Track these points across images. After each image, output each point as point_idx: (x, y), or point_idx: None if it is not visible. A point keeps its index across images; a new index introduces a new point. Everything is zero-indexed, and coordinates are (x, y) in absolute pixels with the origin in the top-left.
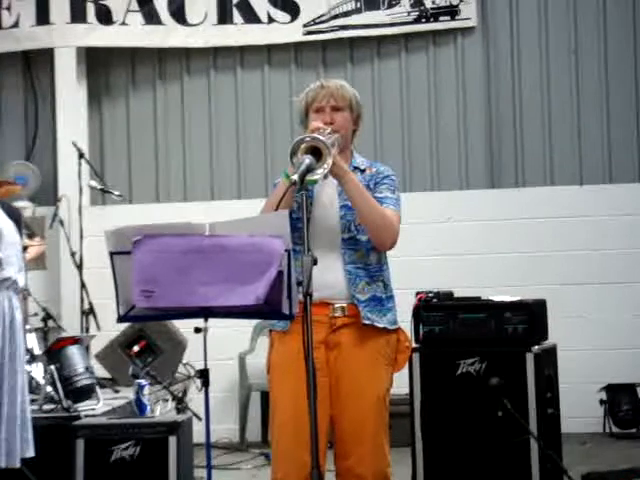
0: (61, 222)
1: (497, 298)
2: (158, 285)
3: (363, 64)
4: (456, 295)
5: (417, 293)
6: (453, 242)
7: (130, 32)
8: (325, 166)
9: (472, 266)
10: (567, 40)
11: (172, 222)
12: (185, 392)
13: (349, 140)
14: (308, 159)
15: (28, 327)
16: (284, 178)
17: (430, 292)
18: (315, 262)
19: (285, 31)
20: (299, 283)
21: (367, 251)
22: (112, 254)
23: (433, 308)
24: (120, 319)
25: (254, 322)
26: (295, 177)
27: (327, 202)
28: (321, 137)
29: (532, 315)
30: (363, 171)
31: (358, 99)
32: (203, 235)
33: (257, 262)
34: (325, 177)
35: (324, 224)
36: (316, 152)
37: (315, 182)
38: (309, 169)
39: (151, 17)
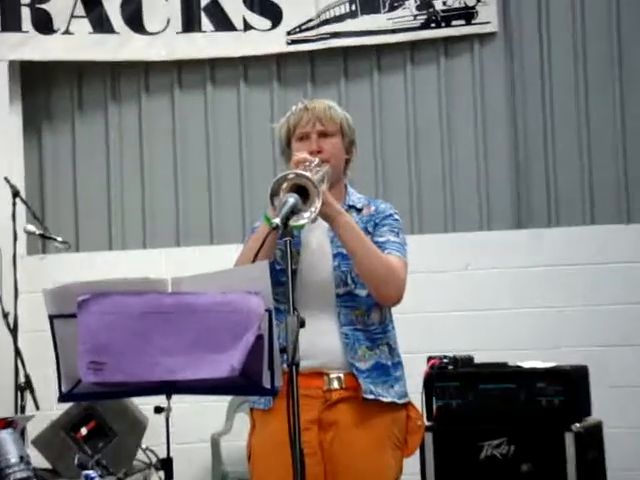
0: None
1: (527, 364)
2: (110, 355)
3: (360, 79)
4: (477, 360)
5: (429, 358)
6: (472, 295)
7: (75, 42)
8: (313, 208)
9: (496, 324)
10: (609, 48)
11: (127, 277)
12: None
13: (341, 172)
14: (292, 198)
15: None
16: (264, 221)
17: (445, 357)
18: (302, 324)
19: (265, 40)
20: (283, 350)
21: (368, 308)
22: (52, 317)
23: (449, 377)
24: (63, 398)
25: (230, 397)
26: (277, 221)
27: (317, 250)
28: (307, 173)
29: (571, 385)
30: (360, 210)
31: (350, 122)
32: (165, 293)
33: (231, 325)
34: (313, 221)
35: (314, 277)
36: (302, 190)
37: (302, 227)
38: (294, 210)
39: (101, 24)
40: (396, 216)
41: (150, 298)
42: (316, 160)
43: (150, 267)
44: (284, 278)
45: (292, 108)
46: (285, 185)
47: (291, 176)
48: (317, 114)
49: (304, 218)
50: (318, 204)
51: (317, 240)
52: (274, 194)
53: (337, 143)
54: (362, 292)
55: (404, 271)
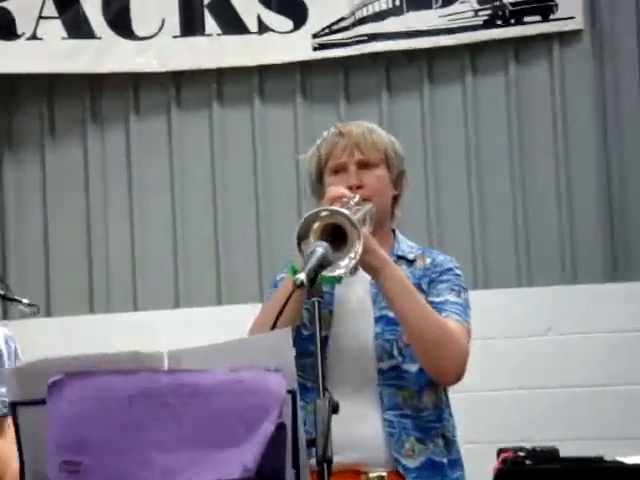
0: None
1: (631, 460)
2: (89, 453)
3: (407, 93)
4: (562, 453)
5: (500, 451)
6: (554, 367)
7: (45, 50)
8: (352, 255)
9: (586, 406)
10: None
11: (111, 351)
12: None
13: (388, 213)
14: (321, 248)
15: None
16: (290, 273)
17: (521, 448)
18: (336, 409)
19: (285, 45)
20: (311, 442)
21: (419, 389)
22: (14, 405)
23: (527, 474)
24: None
25: None
26: (302, 277)
27: (355, 311)
28: (344, 210)
29: None
30: (412, 262)
31: (398, 148)
32: (160, 370)
33: (244, 411)
34: (352, 272)
35: (350, 346)
36: (338, 234)
37: (337, 281)
38: (323, 263)
39: (78, 27)
40: (457, 271)
41: (141, 378)
42: (356, 197)
43: (142, 336)
44: (313, 347)
45: (324, 134)
46: (317, 225)
47: (324, 213)
48: (355, 140)
49: (340, 268)
50: (359, 248)
51: (356, 298)
52: (303, 237)
53: (382, 176)
54: (412, 367)
55: (466, 340)
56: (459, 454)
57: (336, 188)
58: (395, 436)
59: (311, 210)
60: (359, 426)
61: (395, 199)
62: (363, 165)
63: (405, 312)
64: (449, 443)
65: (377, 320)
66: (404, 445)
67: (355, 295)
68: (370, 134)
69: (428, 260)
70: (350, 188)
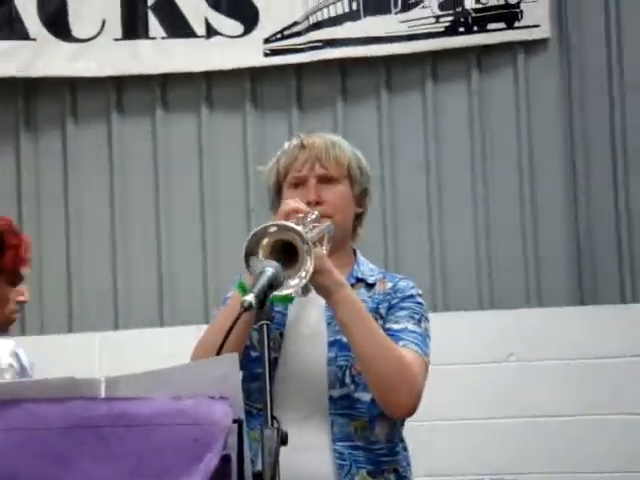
0: None
1: None
2: None
3: (363, 102)
4: None
5: None
6: (517, 396)
7: None
8: (302, 274)
9: (553, 436)
10: None
11: (45, 378)
12: None
13: (349, 232)
14: (271, 268)
15: None
16: (238, 291)
17: None
18: (284, 440)
19: (235, 50)
20: (257, 476)
21: (371, 419)
22: None
23: None
24: None
25: None
26: (249, 298)
27: (308, 334)
28: (295, 225)
29: None
30: (371, 286)
31: (363, 164)
32: (96, 398)
33: (187, 443)
34: (304, 292)
35: (300, 371)
36: (289, 251)
37: (289, 300)
38: (273, 283)
39: (10, 27)
40: (419, 299)
41: (75, 407)
42: (314, 214)
43: (78, 359)
44: (260, 370)
45: (285, 145)
46: (266, 241)
47: (273, 229)
48: (317, 153)
49: (289, 287)
50: (310, 267)
51: (310, 321)
52: (251, 253)
53: (343, 192)
54: (365, 396)
55: (422, 373)
56: None
57: (291, 201)
58: (345, 469)
59: (260, 225)
60: (307, 457)
61: (358, 217)
62: (324, 180)
63: (357, 339)
64: (401, 478)
65: (331, 345)
66: (354, 478)
67: (309, 317)
68: (333, 148)
69: (389, 285)
70: (309, 203)
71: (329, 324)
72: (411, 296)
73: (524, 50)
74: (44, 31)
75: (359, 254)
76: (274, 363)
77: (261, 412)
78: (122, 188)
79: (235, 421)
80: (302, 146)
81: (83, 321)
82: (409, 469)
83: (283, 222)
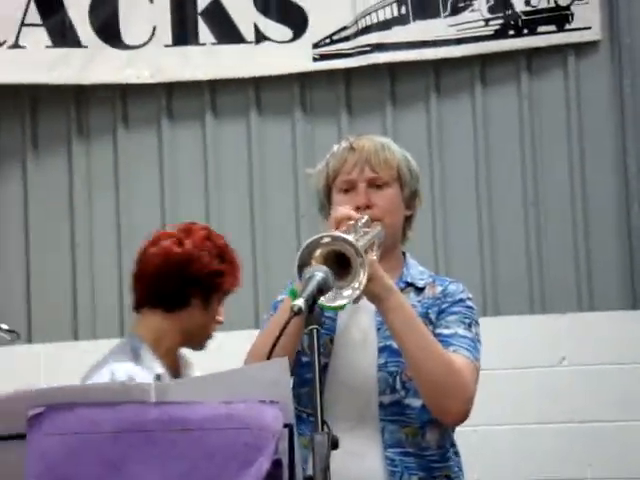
0: None
1: None
2: None
3: (413, 106)
4: None
5: None
6: (569, 401)
7: (28, 59)
8: (356, 284)
9: (607, 440)
10: None
11: (96, 383)
12: None
13: (399, 236)
14: (320, 272)
15: None
16: (290, 297)
17: None
18: (335, 445)
19: (284, 55)
20: None
21: (422, 425)
22: None
23: None
24: None
25: None
26: (299, 303)
27: (358, 340)
28: (348, 236)
29: None
30: (421, 290)
31: (413, 166)
32: (147, 403)
33: (238, 448)
34: (356, 300)
35: (351, 378)
36: (343, 259)
37: (339, 309)
38: (323, 288)
39: (63, 35)
40: (469, 302)
41: (127, 411)
42: (364, 218)
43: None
44: (310, 375)
45: (334, 147)
46: (319, 252)
47: (326, 240)
48: (366, 156)
49: (343, 298)
50: (363, 279)
51: (360, 327)
52: (303, 264)
53: (393, 195)
54: (416, 402)
55: (473, 379)
56: None
57: (342, 208)
58: (397, 475)
59: (313, 236)
60: (358, 463)
61: (407, 220)
62: (374, 184)
63: (409, 346)
64: None
65: (381, 350)
66: None
67: (359, 323)
68: (383, 150)
69: (439, 289)
70: (358, 208)
71: (379, 330)
72: (461, 300)
73: (574, 52)
74: (96, 38)
75: (408, 257)
76: (324, 369)
77: (311, 417)
78: (173, 194)
79: (286, 425)
80: (351, 148)
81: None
82: (461, 474)
83: (336, 233)
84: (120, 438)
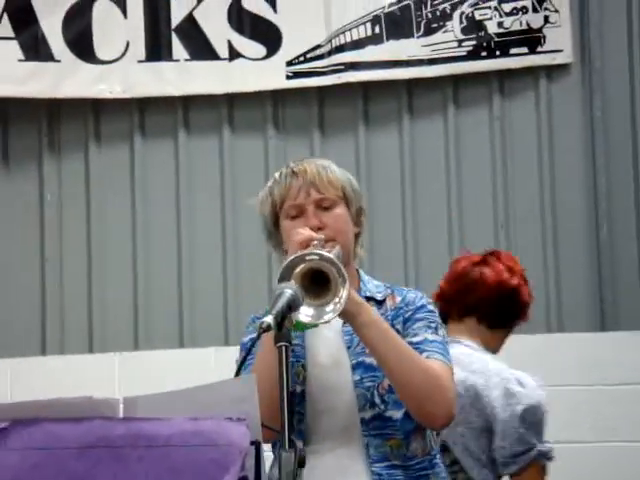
0: None
1: None
2: None
3: (385, 125)
4: None
5: None
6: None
7: (0, 73)
8: (337, 299)
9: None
10: None
11: (61, 397)
12: None
13: (352, 253)
14: (290, 289)
15: None
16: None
17: None
18: (302, 463)
19: (257, 73)
20: None
21: (406, 436)
22: None
23: None
24: None
25: None
26: (268, 320)
27: (330, 361)
28: (331, 255)
29: None
30: (381, 302)
31: (354, 184)
32: (114, 418)
33: (204, 464)
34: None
35: (330, 400)
36: (318, 278)
37: (312, 326)
38: (292, 305)
39: (35, 49)
40: (430, 307)
41: (93, 426)
42: (322, 237)
43: (98, 379)
44: (298, 407)
45: (275, 175)
46: (298, 270)
47: (313, 257)
48: (310, 179)
49: (327, 313)
50: (344, 293)
51: (329, 348)
52: (284, 281)
53: (342, 214)
54: (397, 414)
55: (451, 380)
56: None
57: (302, 230)
58: None
59: (296, 253)
60: None
61: (356, 237)
62: (321, 205)
63: (388, 359)
64: None
65: (354, 368)
66: None
67: (327, 344)
68: (325, 171)
69: (398, 298)
70: (312, 229)
71: (349, 348)
72: (423, 306)
73: (546, 75)
74: (69, 52)
75: (362, 272)
76: (302, 396)
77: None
78: (144, 210)
79: (252, 443)
80: (294, 173)
81: (104, 340)
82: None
83: (322, 252)
84: (86, 454)
